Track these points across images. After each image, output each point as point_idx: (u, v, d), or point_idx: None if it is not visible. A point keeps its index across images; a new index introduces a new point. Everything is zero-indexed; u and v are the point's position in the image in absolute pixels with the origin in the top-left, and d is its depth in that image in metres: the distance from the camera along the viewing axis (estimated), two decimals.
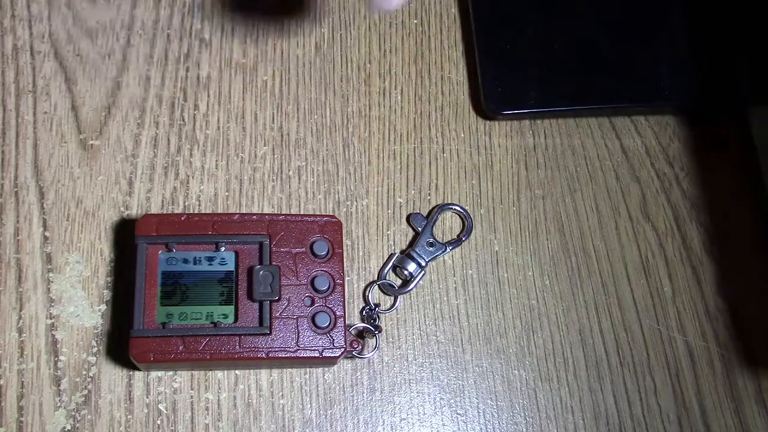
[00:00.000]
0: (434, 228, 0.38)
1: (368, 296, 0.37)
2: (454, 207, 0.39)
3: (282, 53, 0.40)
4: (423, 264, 0.37)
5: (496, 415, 0.36)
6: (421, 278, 0.37)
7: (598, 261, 0.40)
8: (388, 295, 0.37)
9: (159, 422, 0.33)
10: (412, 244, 0.38)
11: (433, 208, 0.39)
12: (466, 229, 0.38)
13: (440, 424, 0.36)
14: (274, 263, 0.33)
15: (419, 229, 0.38)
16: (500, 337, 0.37)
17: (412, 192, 0.39)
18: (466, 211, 0.39)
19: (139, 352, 0.31)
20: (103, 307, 0.34)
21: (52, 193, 0.36)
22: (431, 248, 0.37)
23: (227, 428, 0.34)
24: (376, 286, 0.37)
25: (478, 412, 0.36)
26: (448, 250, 0.38)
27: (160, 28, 0.39)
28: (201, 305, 0.33)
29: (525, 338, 0.38)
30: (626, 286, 0.39)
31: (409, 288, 0.37)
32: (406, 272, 0.37)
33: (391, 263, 0.37)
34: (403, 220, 0.39)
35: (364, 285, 0.37)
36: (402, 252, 0.38)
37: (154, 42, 0.39)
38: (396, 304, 0.37)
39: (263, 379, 0.35)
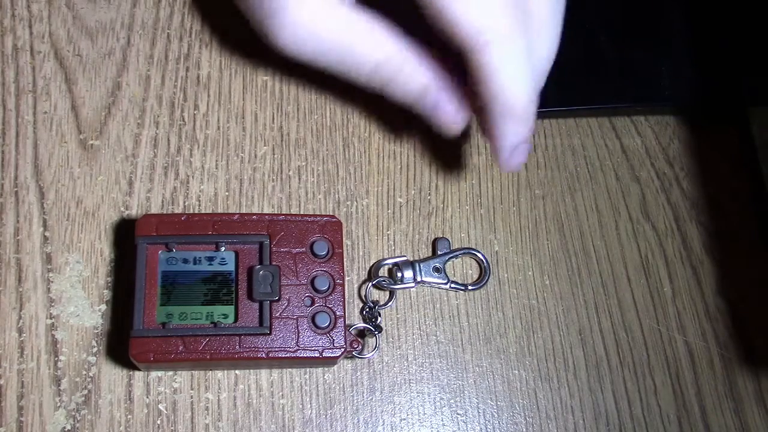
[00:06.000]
0: (451, 263, 0.38)
1: (367, 294, 0.37)
2: (478, 255, 0.38)
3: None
4: (418, 279, 0.37)
5: (496, 415, 0.36)
6: (407, 289, 0.37)
7: (598, 261, 0.40)
8: (383, 290, 0.37)
9: (159, 422, 0.33)
10: (423, 261, 0.38)
11: (459, 248, 0.38)
12: (480, 280, 0.38)
13: (440, 424, 0.36)
14: (274, 263, 0.33)
15: (438, 252, 0.38)
16: (500, 337, 0.37)
17: (412, 192, 0.39)
18: (488, 263, 0.38)
19: (139, 352, 0.31)
20: (103, 307, 0.34)
21: (52, 193, 0.36)
22: (435, 273, 0.37)
23: (227, 428, 0.34)
24: (370, 284, 0.37)
25: (478, 412, 0.36)
26: (448, 286, 0.37)
27: (160, 27, 0.39)
28: (201, 305, 0.33)
29: (525, 338, 0.38)
30: (626, 286, 0.39)
31: (396, 287, 0.37)
32: (400, 273, 0.37)
33: (393, 261, 0.37)
34: (403, 219, 0.39)
35: (360, 282, 0.37)
36: (409, 260, 0.37)
37: (154, 42, 0.39)
38: (392, 299, 0.37)
39: (263, 379, 0.35)
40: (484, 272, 0.38)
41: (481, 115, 0.34)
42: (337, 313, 0.33)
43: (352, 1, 0.32)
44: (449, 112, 0.34)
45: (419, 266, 0.37)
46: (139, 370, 0.34)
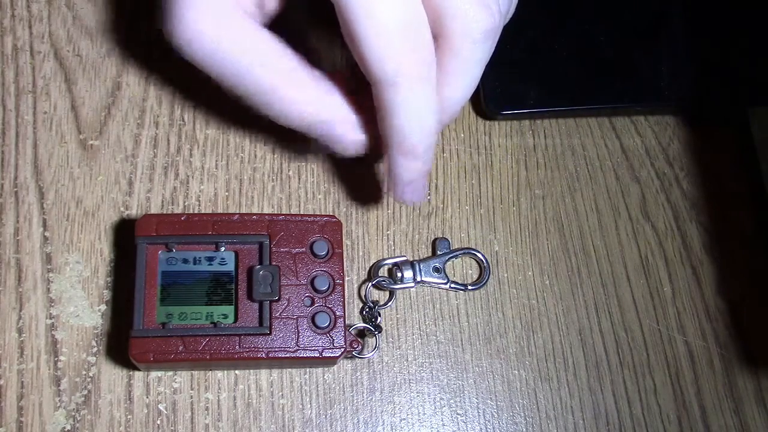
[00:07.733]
0: (451, 263, 0.38)
1: (366, 294, 0.37)
2: (478, 255, 0.38)
3: None
4: (418, 279, 0.37)
5: (496, 415, 0.36)
6: (407, 289, 0.37)
7: (598, 261, 0.40)
8: (383, 290, 0.37)
9: (159, 422, 0.33)
10: (422, 261, 0.38)
11: (459, 248, 0.38)
12: (480, 280, 0.38)
13: (440, 424, 0.36)
14: (273, 263, 0.33)
15: (438, 252, 0.38)
16: (500, 337, 0.37)
17: None
18: (488, 263, 0.38)
19: (139, 352, 0.31)
20: (103, 307, 0.34)
21: (52, 193, 0.36)
22: (435, 273, 0.37)
23: (227, 428, 0.34)
24: (370, 284, 0.37)
25: (478, 412, 0.36)
26: (448, 286, 0.37)
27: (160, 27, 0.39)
28: (201, 305, 0.33)
29: (525, 338, 0.38)
30: (626, 286, 0.39)
31: (396, 287, 0.37)
32: (400, 273, 0.37)
33: (393, 261, 0.37)
34: (403, 219, 0.39)
35: (360, 282, 0.37)
36: (408, 260, 0.37)
37: (154, 42, 0.39)
38: (392, 299, 0.37)
39: (263, 379, 0.35)
40: (484, 272, 0.38)
41: (383, 144, 0.33)
42: (337, 313, 0.33)
43: (260, 22, 0.31)
44: (346, 142, 0.33)
45: (419, 266, 0.37)
46: (139, 370, 0.34)
